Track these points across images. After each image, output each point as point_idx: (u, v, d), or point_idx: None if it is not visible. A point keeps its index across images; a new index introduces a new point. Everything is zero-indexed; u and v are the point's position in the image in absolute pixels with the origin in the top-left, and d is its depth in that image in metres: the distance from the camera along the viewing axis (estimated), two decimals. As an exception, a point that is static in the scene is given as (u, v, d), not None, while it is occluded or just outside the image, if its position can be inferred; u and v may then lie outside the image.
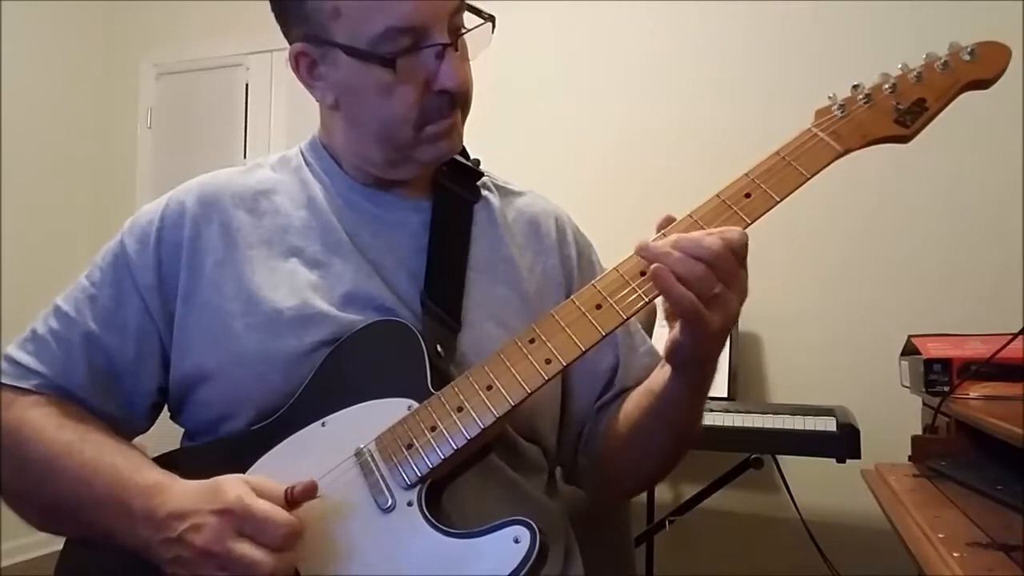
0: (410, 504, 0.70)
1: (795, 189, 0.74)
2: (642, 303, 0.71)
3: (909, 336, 1.63)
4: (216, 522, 0.66)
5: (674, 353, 0.73)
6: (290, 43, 0.83)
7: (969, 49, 0.77)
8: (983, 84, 0.77)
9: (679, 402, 0.80)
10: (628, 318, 0.72)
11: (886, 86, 0.78)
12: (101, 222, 3.57)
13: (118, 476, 0.73)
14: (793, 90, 2.42)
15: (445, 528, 0.69)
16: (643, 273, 0.71)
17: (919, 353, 1.52)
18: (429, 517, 0.70)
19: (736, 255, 0.68)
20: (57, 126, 3.48)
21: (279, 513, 0.66)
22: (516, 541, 0.66)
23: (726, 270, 0.68)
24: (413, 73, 0.77)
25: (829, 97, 0.78)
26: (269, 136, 3.35)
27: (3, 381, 0.80)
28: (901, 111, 0.77)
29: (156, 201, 0.88)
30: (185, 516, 0.67)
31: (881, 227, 2.36)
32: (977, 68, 0.77)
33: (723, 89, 2.57)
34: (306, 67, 0.82)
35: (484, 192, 0.94)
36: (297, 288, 0.81)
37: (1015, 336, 1.35)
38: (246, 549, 0.64)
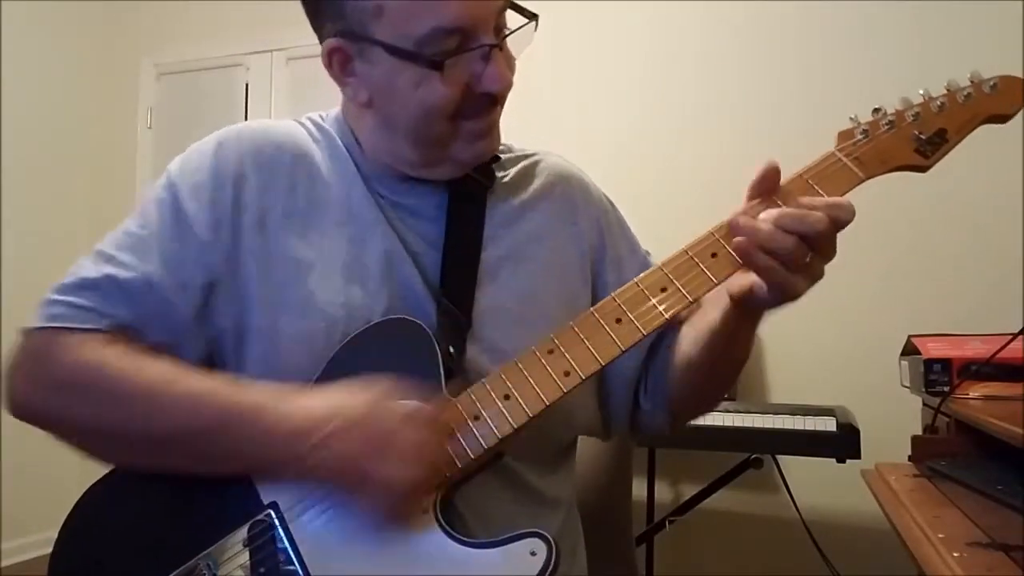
0: (425, 511, 0.70)
1: None
2: (662, 320, 0.72)
3: (909, 336, 1.63)
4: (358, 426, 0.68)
5: (748, 302, 0.74)
6: (321, 40, 0.81)
7: (992, 82, 0.76)
8: (1002, 119, 0.77)
9: (741, 338, 0.81)
10: (647, 334, 0.72)
11: (909, 113, 0.77)
12: (101, 222, 3.56)
13: (228, 397, 0.73)
14: (797, 100, 2.42)
15: (461, 537, 0.69)
16: (664, 289, 0.72)
17: (919, 353, 1.52)
18: (445, 525, 0.69)
19: (838, 229, 0.69)
20: (57, 126, 3.48)
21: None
22: (533, 554, 0.66)
23: (823, 245, 0.69)
24: (458, 74, 0.76)
25: (851, 119, 0.77)
26: (269, 136, 3.35)
27: (68, 325, 0.75)
28: (922, 140, 0.76)
29: (201, 150, 0.84)
30: (327, 420, 0.69)
31: (881, 227, 2.35)
32: (999, 102, 0.76)
33: (730, 91, 2.57)
34: (339, 63, 0.80)
35: (499, 173, 0.91)
36: (338, 268, 0.81)
37: (1015, 336, 1.35)
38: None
